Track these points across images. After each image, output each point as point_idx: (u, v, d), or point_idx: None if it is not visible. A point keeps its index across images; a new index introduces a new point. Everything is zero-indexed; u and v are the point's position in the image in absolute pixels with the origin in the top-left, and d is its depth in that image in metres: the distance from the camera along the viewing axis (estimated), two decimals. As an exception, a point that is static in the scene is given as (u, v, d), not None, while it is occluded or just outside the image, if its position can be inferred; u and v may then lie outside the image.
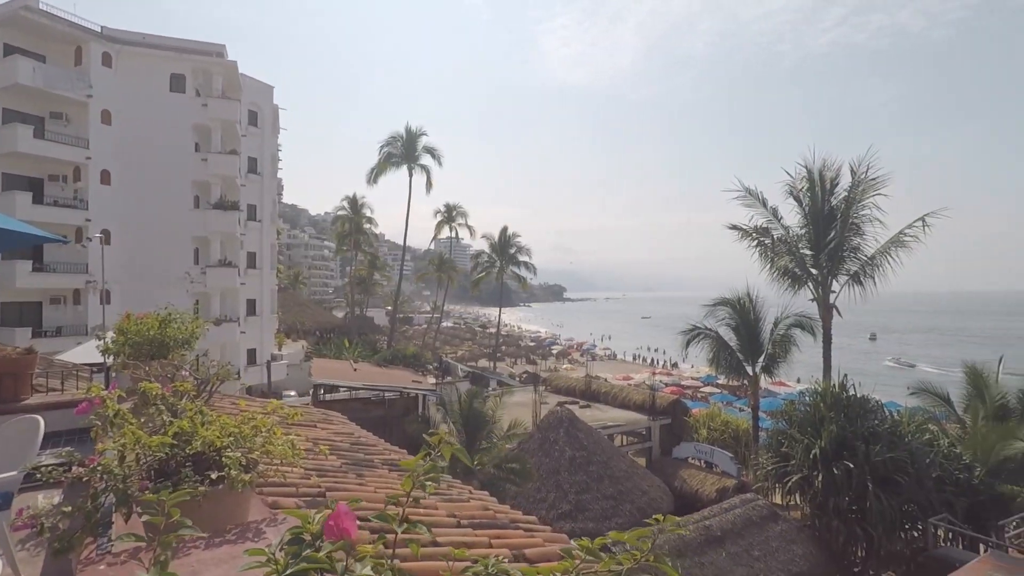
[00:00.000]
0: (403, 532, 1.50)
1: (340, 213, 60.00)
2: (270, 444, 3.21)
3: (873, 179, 21.42)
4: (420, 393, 27.56)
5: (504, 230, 57.12)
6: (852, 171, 21.95)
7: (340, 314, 72.70)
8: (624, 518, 18.76)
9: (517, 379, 51.46)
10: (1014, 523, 16.67)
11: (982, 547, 15.39)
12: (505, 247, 56.64)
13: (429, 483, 1.64)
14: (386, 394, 27.76)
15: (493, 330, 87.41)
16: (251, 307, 32.92)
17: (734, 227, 24.56)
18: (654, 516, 1.77)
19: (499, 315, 66.27)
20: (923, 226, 20.83)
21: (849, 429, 16.33)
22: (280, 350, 38.46)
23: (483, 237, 58.47)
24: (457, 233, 63.75)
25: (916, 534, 16.49)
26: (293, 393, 32.14)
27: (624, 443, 27.14)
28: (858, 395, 17.83)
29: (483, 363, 65.51)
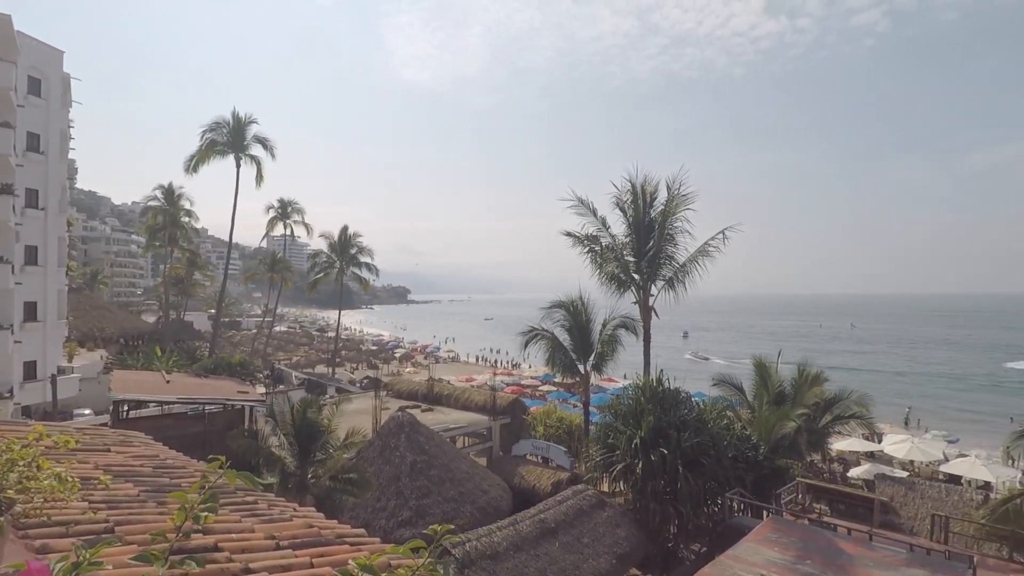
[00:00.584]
0: (168, 569, 1.30)
1: (152, 203, 52.92)
2: (32, 479, 2.67)
3: (684, 195, 24.22)
4: (247, 404, 25.29)
5: (344, 229, 54.86)
6: (668, 187, 24.61)
7: (151, 318, 64.31)
8: (465, 519, 18.91)
9: (358, 385, 49.66)
10: (787, 491, 19.81)
11: (765, 513, 18.04)
12: (346, 247, 54.41)
13: (206, 513, 1.45)
14: (206, 407, 25.05)
15: (332, 334, 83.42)
16: (30, 311, 27.66)
17: (568, 234, 26.14)
18: (431, 527, 1.76)
19: (338, 318, 63.38)
20: (723, 238, 23.97)
21: (664, 419, 18.17)
22: (71, 362, 32.88)
23: (321, 236, 55.62)
24: (292, 231, 59.86)
25: (716, 508, 18.86)
26: (88, 412, 27.70)
27: (466, 444, 27.44)
28: (672, 388, 19.94)
29: (321, 369, 62.19)
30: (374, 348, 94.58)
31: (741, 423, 22.24)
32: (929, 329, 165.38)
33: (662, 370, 20.99)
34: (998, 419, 47.34)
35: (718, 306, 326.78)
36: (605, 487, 20.74)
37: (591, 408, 28.42)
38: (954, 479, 28.79)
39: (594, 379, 29.84)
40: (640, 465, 17.70)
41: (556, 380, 52.78)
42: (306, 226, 59.15)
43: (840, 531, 15.77)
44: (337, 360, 64.80)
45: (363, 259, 55.24)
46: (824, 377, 25.53)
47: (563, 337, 25.90)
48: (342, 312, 62.87)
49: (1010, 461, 19.33)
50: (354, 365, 73.85)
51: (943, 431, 43.67)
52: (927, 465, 32.77)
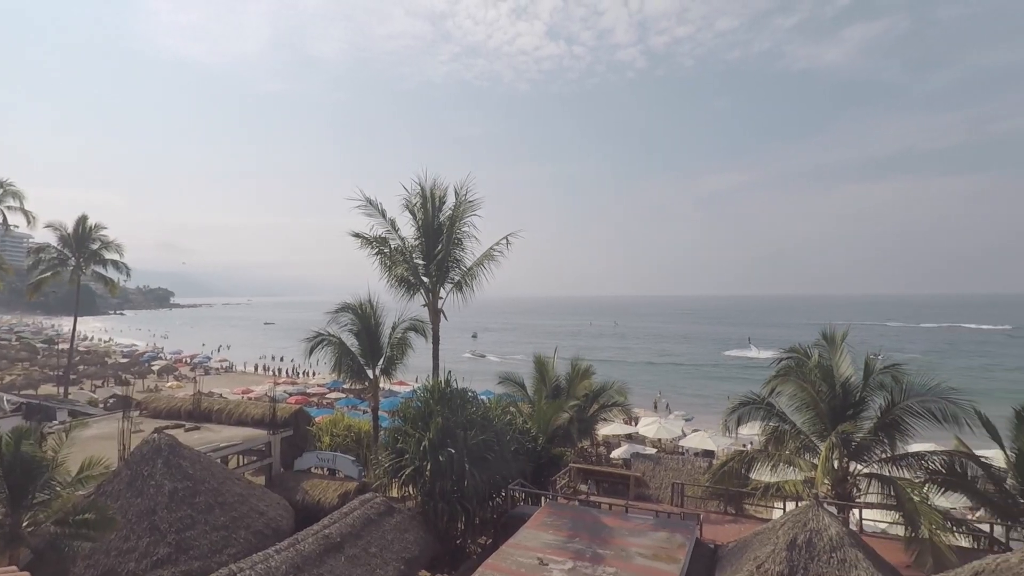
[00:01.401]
0: None
1: None
2: None
3: (471, 201, 25.12)
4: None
5: (82, 219, 45.75)
6: (456, 192, 25.29)
7: None
8: (239, 547, 17.07)
9: (101, 405, 41.89)
10: (561, 476, 21.72)
11: (543, 499, 19.52)
12: (84, 240, 45.42)
13: None
14: None
15: (65, 345, 69.08)
16: None
17: (357, 235, 25.32)
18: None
19: (74, 326, 52.70)
20: (507, 243, 25.39)
21: (452, 419, 18.57)
22: None
23: (49, 226, 45.55)
24: (6, 218, 48.19)
25: (501, 500, 19.86)
26: None
27: (241, 463, 24.86)
28: (459, 388, 20.48)
29: (48, 390, 51.17)
30: (124, 361, 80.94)
31: (523, 417, 23.78)
32: (674, 326, 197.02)
33: (450, 371, 21.46)
34: (720, 398, 58.05)
35: (506, 307, 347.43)
36: (395, 493, 20.49)
37: (381, 413, 27.87)
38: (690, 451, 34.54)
39: (385, 384, 29.35)
40: (429, 466, 17.84)
41: (345, 387, 50.87)
42: (26, 213, 47.98)
43: (604, 507, 17.78)
44: (72, 377, 53.87)
45: (109, 256, 46.68)
46: (592, 370, 28.56)
47: (351, 342, 25.00)
48: (81, 319, 52.44)
49: (727, 432, 23.80)
50: (97, 383, 62.20)
51: (682, 411, 52.21)
52: (671, 441, 38.78)
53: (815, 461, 17.15)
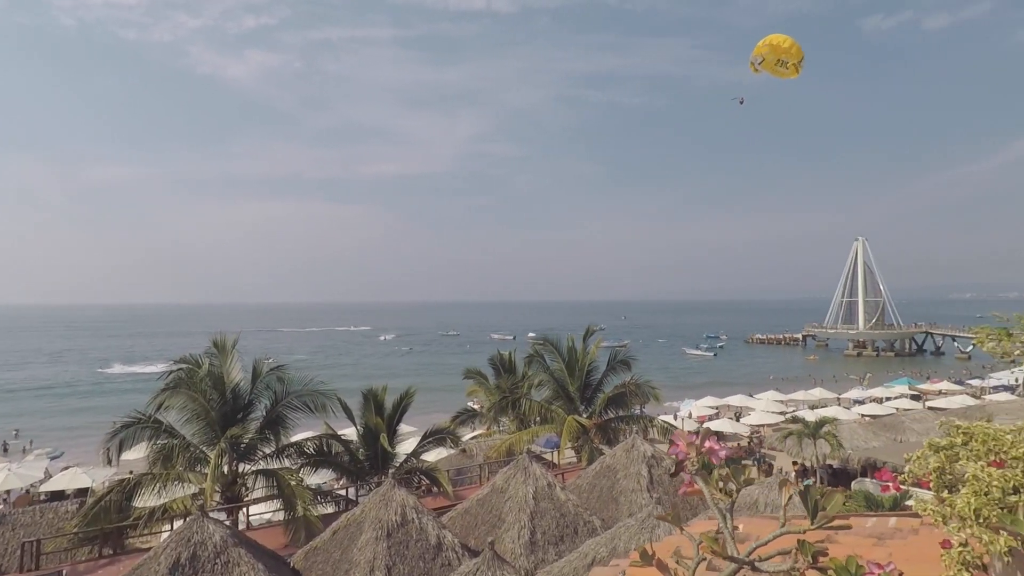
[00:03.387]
0: None
1: None
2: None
3: None
4: None
5: None
6: None
7: None
8: None
9: None
10: None
11: None
12: None
13: None
14: None
15: None
16: None
17: None
18: None
19: None
20: None
21: None
22: None
23: None
24: None
25: None
26: None
27: None
28: None
29: None
30: None
31: None
32: (42, 343, 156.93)
33: None
34: (102, 424, 50.24)
35: None
36: None
37: None
38: (58, 495, 28.28)
39: None
40: None
41: None
42: None
43: None
44: None
45: None
46: None
47: None
48: None
49: (108, 462, 20.24)
50: None
51: (48, 448, 42.33)
52: (34, 487, 30.73)
53: (206, 471, 17.03)
